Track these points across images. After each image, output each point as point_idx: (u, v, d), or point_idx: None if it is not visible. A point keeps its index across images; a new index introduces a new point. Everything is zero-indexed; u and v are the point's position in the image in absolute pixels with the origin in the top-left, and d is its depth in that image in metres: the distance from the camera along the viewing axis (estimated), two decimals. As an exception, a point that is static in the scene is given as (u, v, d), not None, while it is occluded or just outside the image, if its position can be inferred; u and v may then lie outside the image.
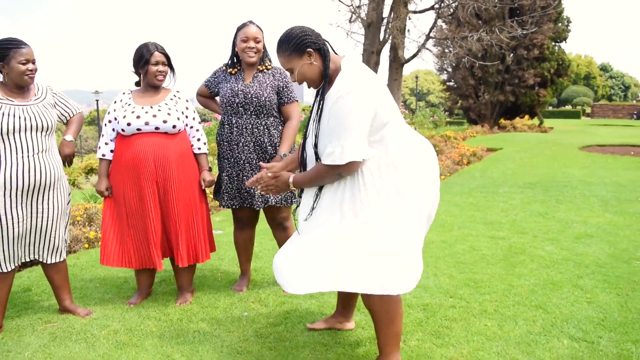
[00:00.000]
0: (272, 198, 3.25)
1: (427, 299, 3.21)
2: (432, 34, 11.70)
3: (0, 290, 2.82)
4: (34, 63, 2.78)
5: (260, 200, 3.25)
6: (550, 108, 43.09)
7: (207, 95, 3.44)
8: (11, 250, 2.78)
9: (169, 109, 3.04)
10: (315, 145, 2.25)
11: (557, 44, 22.44)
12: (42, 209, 2.82)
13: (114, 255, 3.07)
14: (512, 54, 21.15)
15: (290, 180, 2.33)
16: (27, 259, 2.89)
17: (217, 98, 3.43)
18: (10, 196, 2.69)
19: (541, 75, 21.48)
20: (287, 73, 3.14)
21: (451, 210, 5.80)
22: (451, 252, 4.19)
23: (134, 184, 3.00)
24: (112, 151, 3.09)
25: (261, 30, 3.25)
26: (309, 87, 2.31)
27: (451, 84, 24.39)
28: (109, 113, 3.10)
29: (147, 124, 2.97)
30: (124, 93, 3.14)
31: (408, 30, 11.83)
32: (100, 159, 3.11)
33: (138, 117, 2.97)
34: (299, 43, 2.17)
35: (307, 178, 2.28)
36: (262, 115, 3.21)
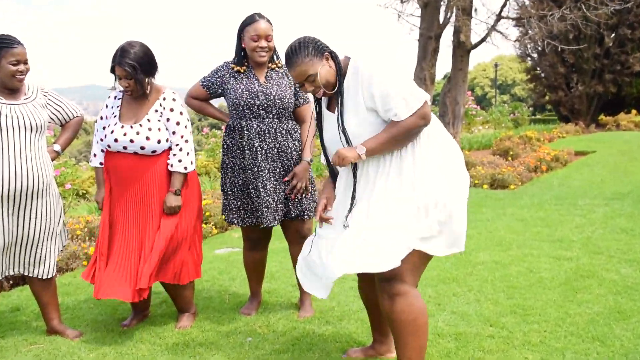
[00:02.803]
0: (294, 210, 3.45)
1: (462, 327, 3.31)
2: (504, 13, 11.66)
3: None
4: (25, 64, 3.09)
5: (276, 216, 3.42)
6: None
7: (204, 97, 3.54)
8: (-7, 261, 3.09)
9: (150, 127, 3.20)
10: (347, 141, 2.52)
11: (671, 19, 21.66)
12: (31, 218, 3.12)
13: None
14: (612, 34, 20.59)
15: (362, 151, 2.46)
16: (13, 273, 3.19)
17: (217, 100, 3.66)
18: (-4, 203, 3.01)
19: (651, 60, 20.79)
20: None
21: (513, 226, 5.83)
22: (503, 275, 4.24)
23: (118, 201, 3.28)
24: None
25: (271, 25, 3.41)
26: (318, 96, 2.60)
27: (537, 72, 23.94)
28: (101, 118, 3.37)
29: (132, 141, 3.18)
30: (115, 97, 3.37)
31: (475, 10, 11.81)
32: (97, 167, 3.38)
33: (125, 134, 3.18)
34: (318, 47, 2.54)
35: (383, 140, 2.44)
36: (284, 118, 3.43)
